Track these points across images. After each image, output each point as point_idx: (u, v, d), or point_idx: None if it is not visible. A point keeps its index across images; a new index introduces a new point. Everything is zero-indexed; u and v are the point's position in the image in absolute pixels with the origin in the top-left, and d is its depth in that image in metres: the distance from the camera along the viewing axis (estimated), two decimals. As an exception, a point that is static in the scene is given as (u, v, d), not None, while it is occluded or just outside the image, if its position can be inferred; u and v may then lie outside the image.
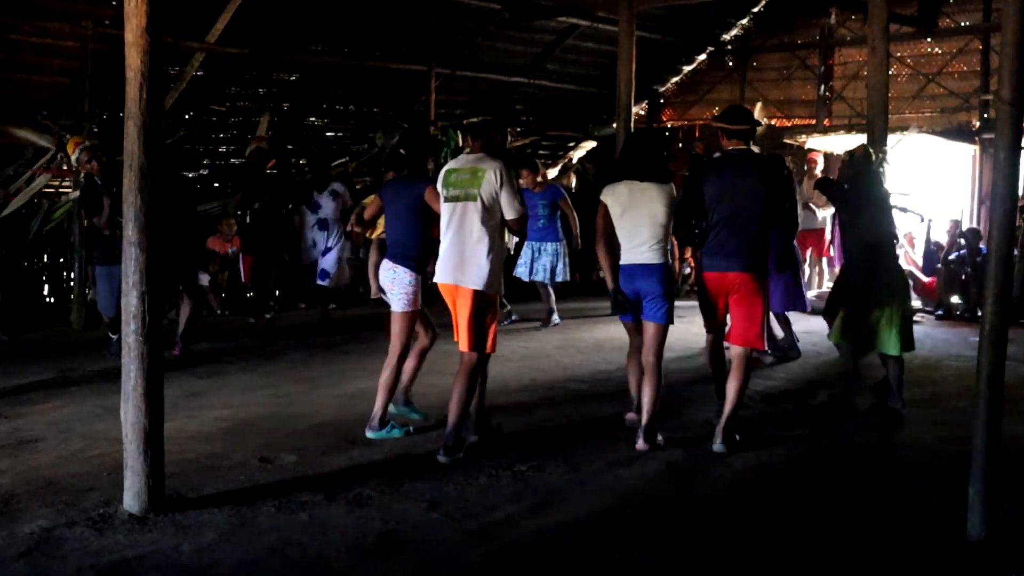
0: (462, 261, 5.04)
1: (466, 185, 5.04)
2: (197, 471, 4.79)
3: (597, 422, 5.87)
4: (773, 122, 14.86)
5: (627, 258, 5.34)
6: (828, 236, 12.07)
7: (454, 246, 5.07)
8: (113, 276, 6.86)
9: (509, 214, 5.05)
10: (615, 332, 9.17)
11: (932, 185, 14.20)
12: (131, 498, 4.18)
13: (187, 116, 10.94)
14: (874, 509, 4.45)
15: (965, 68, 13.37)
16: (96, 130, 9.39)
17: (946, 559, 3.88)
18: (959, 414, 5.89)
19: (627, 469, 4.97)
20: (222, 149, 11.92)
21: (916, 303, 11.39)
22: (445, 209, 5.13)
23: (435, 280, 5.24)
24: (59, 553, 3.76)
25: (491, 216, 5.03)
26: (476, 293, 5.02)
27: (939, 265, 11.25)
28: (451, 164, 5.23)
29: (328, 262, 9.18)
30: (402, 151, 5.68)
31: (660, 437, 5.35)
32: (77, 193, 8.61)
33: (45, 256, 9.98)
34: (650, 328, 5.33)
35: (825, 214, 11.95)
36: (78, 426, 5.62)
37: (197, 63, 10.22)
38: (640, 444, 5.27)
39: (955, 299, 10.99)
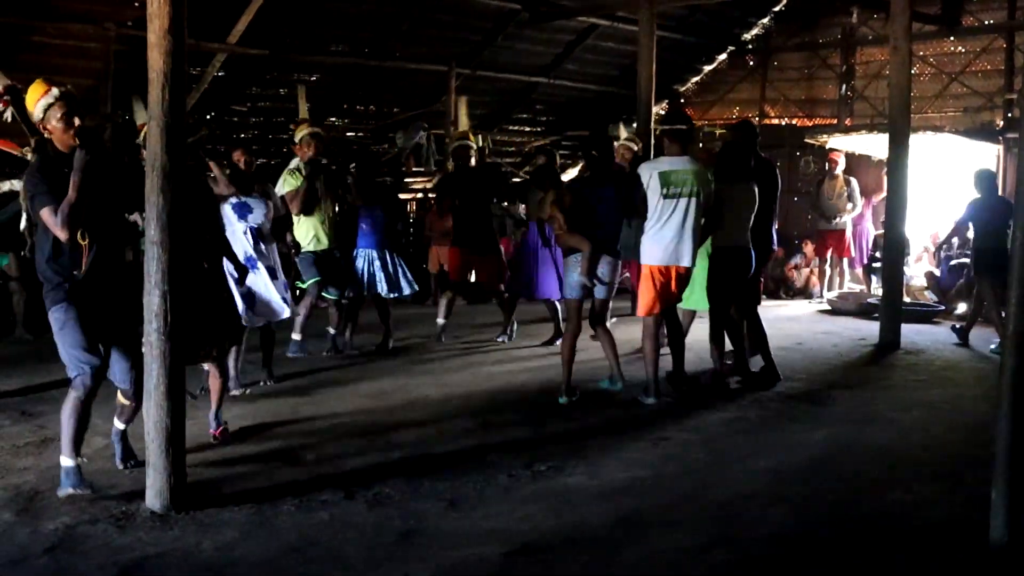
0: (684, 246, 6.12)
1: (690, 184, 6.08)
2: (218, 469, 4.83)
3: (616, 423, 5.87)
4: (794, 122, 14.80)
5: (729, 241, 6.56)
6: (849, 236, 12.03)
7: (677, 235, 6.11)
8: (67, 324, 4.46)
9: (711, 203, 6.26)
10: (636, 333, 9.14)
11: (955, 185, 14.08)
12: (153, 496, 4.21)
13: (208, 117, 11.01)
14: (892, 510, 4.42)
15: (989, 67, 13.18)
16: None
17: (968, 563, 3.85)
18: (980, 416, 5.84)
19: (645, 470, 4.97)
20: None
21: (931, 298, 11.33)
22: (666, 205, 6.07)
23: (655, 263, 6.16)
24: (82, 550, 3.80)
25: (703, 209, 6.15)
26: (688, 269, 6.21)
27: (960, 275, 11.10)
28: (664, 166, 6.16)
29: (280, 286, 6.56)
30: (594, 152, 6.47)
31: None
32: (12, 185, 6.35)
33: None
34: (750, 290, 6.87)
35: (846, 216, 11.90)
36: (100, 424, 5.63)
37: (218, 64, 10.28)
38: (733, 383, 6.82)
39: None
